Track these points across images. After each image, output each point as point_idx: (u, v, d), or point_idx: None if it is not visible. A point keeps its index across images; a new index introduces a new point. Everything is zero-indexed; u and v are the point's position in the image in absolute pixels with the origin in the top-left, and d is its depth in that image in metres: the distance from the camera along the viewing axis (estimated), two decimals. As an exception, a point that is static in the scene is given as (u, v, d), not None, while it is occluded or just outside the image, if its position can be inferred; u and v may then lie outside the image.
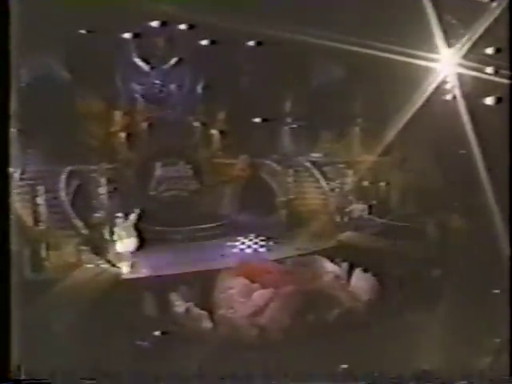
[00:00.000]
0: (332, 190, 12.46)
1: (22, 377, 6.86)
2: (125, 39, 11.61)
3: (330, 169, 12.63)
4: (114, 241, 9.14)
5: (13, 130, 11.21)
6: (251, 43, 11.84)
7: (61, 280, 8.51)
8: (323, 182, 12.61)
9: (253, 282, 8.16)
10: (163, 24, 11.33)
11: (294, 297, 7.77)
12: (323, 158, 12.89)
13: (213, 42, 11.61)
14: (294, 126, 13.17)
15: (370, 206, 11.63)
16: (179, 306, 7.50)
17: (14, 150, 11.04)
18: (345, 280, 8.52)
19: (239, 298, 7.76)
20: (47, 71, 11.20)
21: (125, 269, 9.13)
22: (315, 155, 13.03)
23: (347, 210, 11.69)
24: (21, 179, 10.34)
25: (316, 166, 12.72)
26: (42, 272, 8.95)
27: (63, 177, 10.73)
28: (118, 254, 9.10)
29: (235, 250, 10.79)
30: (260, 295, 7.83)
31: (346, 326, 7.82)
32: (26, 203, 9.98)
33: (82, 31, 10.79)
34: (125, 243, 9.17)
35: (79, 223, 10.20)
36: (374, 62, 10.80)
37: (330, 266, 8.73)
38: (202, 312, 7.39)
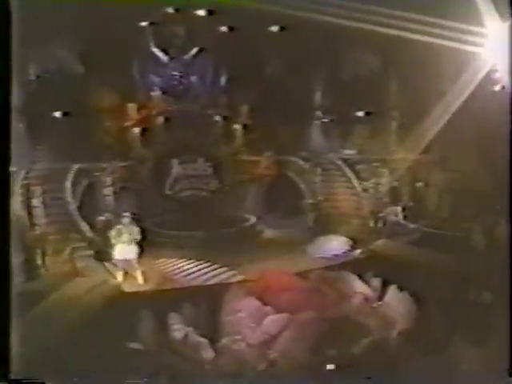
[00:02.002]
0: (365, 190, 10.76)
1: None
2: (141, 27, 10.21)
3: (363, 167, 10.93)
4: (113, 245, 7.67)
5: (20, 126, 9.96)
6: (274, 28, 10.28)
7: (56, 291, 7.07)
8: (356, 182, 10.92)
9: (266, 302, 6.47)
10: (180, 10, 9.86)
11: (313, 325, 6.04)
12: (356, 155, 11.22)
13: (231, 29, 10.10)
14: (325, 119, 11.63)
15: (407, 210, 9.90)
16: (178, 330, 5.85)
17: (21, 147, 9.81)
18: (375, 303, 6.71)
19: (248, 323, 6.08)
20: (58, 63, 9.92)
21: (122, 279, 7.62)
22: (347, 152, 11.35)
23: (382, 214, 9.97)
24: (25, 178, 9.06)
25: (348, 164, 11.03)
26: (37, 281, 7.56)
27: (70, 176, 9.40)
28: (118, 261, 7.62)
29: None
30: (272, 321, 6.14)
31: (376, 362, 5.99)
32: (27, 205, 8.64)
33: (95, 20, 9.48)
34: (124, 249, 7.66)
35: (85, 226, 8.81)
36: (413, 48, 9.16)
37: (359, 285, 6.97)
38: (202, 340, 5.71)
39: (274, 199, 10.67)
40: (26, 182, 9.10)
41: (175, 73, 10.98)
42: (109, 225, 8.59)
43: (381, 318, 6.45)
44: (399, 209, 9.86)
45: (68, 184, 9.28)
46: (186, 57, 11.28)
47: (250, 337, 6.15)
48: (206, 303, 6.78)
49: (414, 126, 10.93)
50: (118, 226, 7.83)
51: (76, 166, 9.55)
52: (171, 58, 11.02)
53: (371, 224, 9.45)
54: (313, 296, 6.56)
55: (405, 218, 9.71)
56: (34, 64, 9.81)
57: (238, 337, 6.22)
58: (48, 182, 9.22)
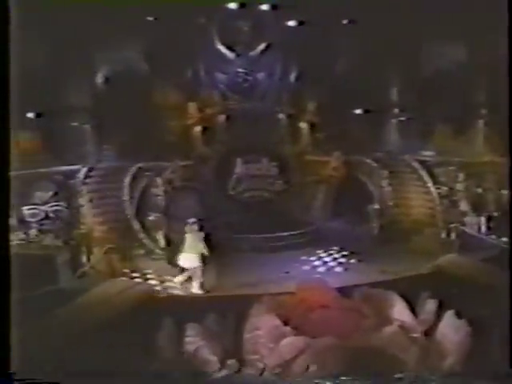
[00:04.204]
0: (443, 197, 9.20)
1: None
2: (205, 25, 9.53)
3: (442, 170, 9.39)
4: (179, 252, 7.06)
5: (85, 126, 9.76)
6: (345, 21, 9.04)
7: (89, 290, 6.60)
8: (432, 187, 9.38)
9: (291, 320, 5.38)
10: (243, 6, 9.00)
11: (334, 352, 4.83)
12: (436, 156, 9.66)
13: (301, 23, 9.05)
14: (402, 118, 10.16)
15: (489, 221, 8.22)
16: (190, 343, 5.03)
17: (85, 146, 9.59)
18: (418, 332, 5.33)
19: (266, 343, 5.07)
20: (127, 64, 9.54)
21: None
22: (426, 153, 9.83)
23: (455, 223, 8.33)
24: (86, 177, 8.72)
25: (425, 167, 9.52)
26: (82, 279, 7.17)
27: (130, 174, 9.01)
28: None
29: (305, 268, 8.13)
30: (289, 344, 5.04)
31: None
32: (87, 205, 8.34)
33: (159, 18, 9.00)
34: (189, 257, 6.95)
35: (137, 225, 8.33)
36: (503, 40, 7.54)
37: (398, 310, 5.55)
38: (212, 358, 4.82)
39: (341, 203, 9.49)
40: (79, 180, 8.67)
41: (241, 70, 10.18)
42: (160, 226, 8.05)
43: (424, 349, 5.10)
44: (483, 219, 8.26)
45: (127, 182, 8.85)
46: (253, 53, 10.42)
47: (267, 358, 5.13)
48: (233, 315, 5.89)
49: (503, 126, 9.18)
50: (186, 234, 7.05)
51: (136, 166, 9.09)
52: (237, 55, 10.25)
53: (443, 235, 7.90)
54: (345, 317, 5.37)
55: (488, 229, 8.07)
56: (101, 66, 9.56)
57: (255, 356, 5.23)
58: (107, 181, 8.84)
